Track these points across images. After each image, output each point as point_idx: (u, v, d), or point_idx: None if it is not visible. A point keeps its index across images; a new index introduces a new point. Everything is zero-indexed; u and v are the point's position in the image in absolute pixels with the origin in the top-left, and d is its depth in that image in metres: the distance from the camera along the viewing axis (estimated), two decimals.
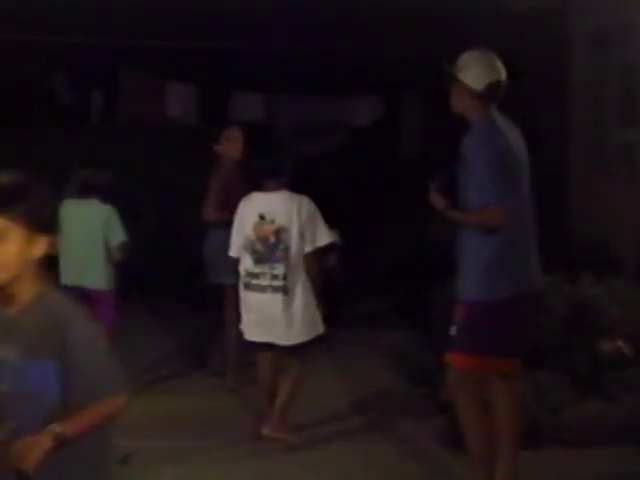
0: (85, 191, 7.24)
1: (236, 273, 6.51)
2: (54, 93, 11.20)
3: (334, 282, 9.20)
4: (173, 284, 9.87)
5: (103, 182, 7.31)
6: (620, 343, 6.91)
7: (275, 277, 6.10)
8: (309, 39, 9.77)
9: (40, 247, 2.97)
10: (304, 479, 5.70)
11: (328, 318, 9.25)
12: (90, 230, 7.18)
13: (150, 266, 10.20)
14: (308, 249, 6.16)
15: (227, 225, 6.66)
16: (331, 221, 10.73)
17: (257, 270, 6.16)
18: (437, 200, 5.17)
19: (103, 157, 8.42)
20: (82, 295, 6.74)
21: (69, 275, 7.08)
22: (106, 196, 7.26)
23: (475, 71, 5.09)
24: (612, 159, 9.82)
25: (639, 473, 5.75)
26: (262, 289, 6.13)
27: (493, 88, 5.08)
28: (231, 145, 7.69)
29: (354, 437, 6.47)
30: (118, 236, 7.19)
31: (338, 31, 10.03)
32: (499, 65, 5.14)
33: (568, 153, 10.91)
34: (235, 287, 6.83)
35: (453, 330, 5.10)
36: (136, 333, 8.64)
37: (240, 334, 6.55)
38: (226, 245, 6.55)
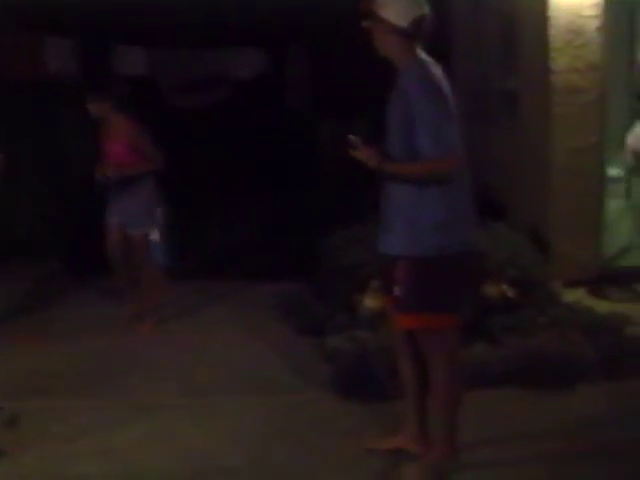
0: None
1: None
2: None
3: None
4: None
5: None
6: (504, 286, 7.03)
7: None
8: None
9: None
10: (193, 433, 5.69)
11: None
12: None
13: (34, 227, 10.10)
14: None
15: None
16: (220, 173, 10.77)
17: None
18: (368, 155, 4.76)
19: None
20: None
21: None
22: None
23: (398, 7, 4.75)
24: (493, 106, 9.92)
25: (524, 415, 5.86)
26: None
27: (418, 24, 4.77)
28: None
29: (242, 388, 6.48)
30: None
31: None
32: None
33: None
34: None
35: (397, 290, 4.87)
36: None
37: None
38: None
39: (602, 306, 7.52)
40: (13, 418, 5.84)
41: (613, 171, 8.93)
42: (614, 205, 8.93)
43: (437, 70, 4.85)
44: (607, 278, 8.35)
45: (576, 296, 7.74)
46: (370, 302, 6.90)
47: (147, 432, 5.72)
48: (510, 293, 7.02)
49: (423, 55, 4.87)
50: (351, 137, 4.77)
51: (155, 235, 9.10)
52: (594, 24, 8.28)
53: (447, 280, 4.83)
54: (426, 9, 4.83)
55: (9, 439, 5.59)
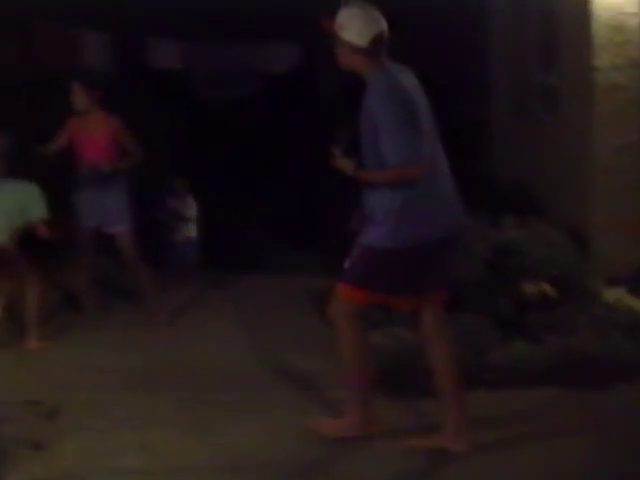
0: None
1: None
2: None
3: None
4: None
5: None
6: (543, 285, 7.00)
7: None
8: None
9: None
10: (230, 428, 5.64)
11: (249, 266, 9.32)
12: None
13: None
14: None
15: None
16: (253, 166, 10.76)
17: None
18: (345, 165, 5.14)
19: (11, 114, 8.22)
20: None
21: None
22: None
23: (357, 27, 5.01)
24: (533, 103, 9.87)
25: (563, 412, 5.82)
26: None
27: (378, 41, 5.03)
28: (73, 98, 7.63)
29: (277, 384, 6.46)
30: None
31: None
32: (378, 16, 5.07)
33: (489, 98, 10.97)
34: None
35: (347, 263, 5.21)
36: None
37: None
38: None
39: None
40: (53, 412, 5.82)
41: None
42: None
43: (406, 78, 5.12)
44: None
45: (616, 295, 7.68)
46: None
47: (185, 427, 5.70)
48: (549, 291, 7.00)
49: (389, 66, 5.11)
50: (333, 148, 5.15)
51: (191, 231, 9.06)
52: (635, 21, 8.27)
53: (388, 266, 5.10)
54: (384, 24, 5.08)
55: (49, 433, 5.57)
